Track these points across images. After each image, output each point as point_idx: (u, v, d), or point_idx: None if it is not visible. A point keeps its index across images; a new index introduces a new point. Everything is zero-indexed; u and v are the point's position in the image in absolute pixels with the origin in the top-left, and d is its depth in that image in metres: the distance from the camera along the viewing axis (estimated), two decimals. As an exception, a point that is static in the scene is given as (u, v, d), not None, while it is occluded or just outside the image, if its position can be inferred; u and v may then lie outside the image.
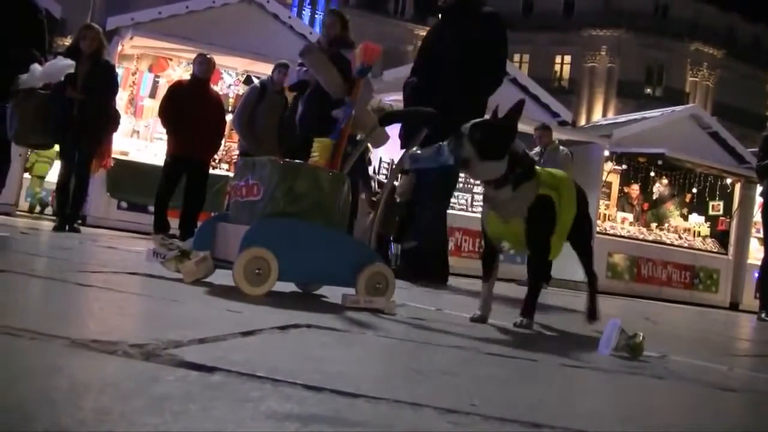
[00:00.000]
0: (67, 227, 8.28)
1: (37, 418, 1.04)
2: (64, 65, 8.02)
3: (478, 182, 3.73)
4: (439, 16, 8.18)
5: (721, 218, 18.22)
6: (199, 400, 1.28)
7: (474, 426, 1.41)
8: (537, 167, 3.70)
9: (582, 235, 3.99)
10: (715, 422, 1.92)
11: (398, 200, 11.67)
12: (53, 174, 9.77)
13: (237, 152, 12.08)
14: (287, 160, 3.90)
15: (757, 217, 14.37)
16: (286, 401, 1.37)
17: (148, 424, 1.09)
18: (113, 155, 11.24)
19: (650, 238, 17.35)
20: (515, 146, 3.58)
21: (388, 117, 4.31)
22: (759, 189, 12.12)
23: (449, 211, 14.11)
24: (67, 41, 9.27)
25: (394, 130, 5.38)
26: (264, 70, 12.21)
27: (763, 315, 9.13)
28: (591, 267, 4.15)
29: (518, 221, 3.55)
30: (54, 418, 1.04)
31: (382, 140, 4.38)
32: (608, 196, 17.63)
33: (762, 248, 10.11)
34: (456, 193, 14.80)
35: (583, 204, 3.93)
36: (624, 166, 17.74)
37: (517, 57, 48.87)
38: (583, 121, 42.90)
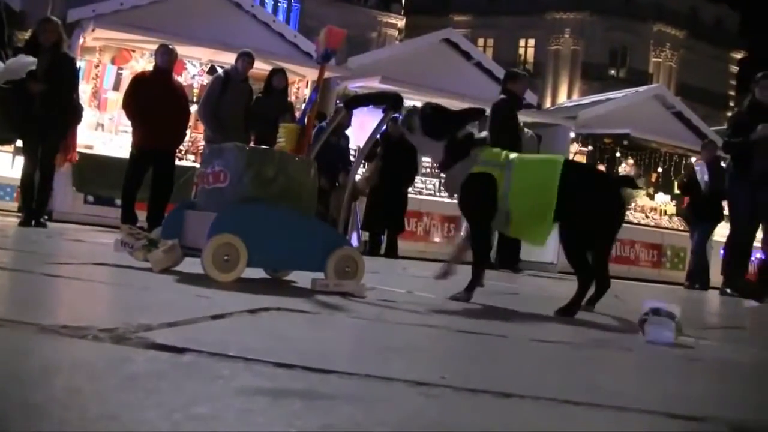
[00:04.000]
0: (33, 222, 8.20)
1: (7, 396, 1.04)
2: (27, 62, 7.93)
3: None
4: None
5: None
6: (170, 378, 1.29)
7: (444, 397, 1.43)
8: (487, 148, 3.87)
9: (567, 224, 3.77)
10: (683, 387, 1.95)
11: (359, 187, 11.67)
12: (17, 170, 9.67)
13: (203, 143, 12.00)
14: (253, 146, 3.90)
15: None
16: (258, 377, 1.38)
17: (120, 400, 1.09)
18: (78, 149, 11.12)
19: (618, 218, 17.47)
20: (460, 134, 3.82)
21: (353, 100, 4.31)
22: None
23: (417, 196, 14.21)
24: (28, 35, 9.14)
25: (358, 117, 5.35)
26: (228, 59, 12.11)
27: (727, 290, 9.24)
28: (577, 262, 3.85)
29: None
30: (25, 396, 1.04)
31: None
32: (575, 178, 17.69)
33: (728, 225, 10.20)
34: (423, 179, 14.84)
35: (581, 190, 3.73)
36: (590, 148, 17.82)
37: (481, 41, 48.87)
38: (548, 104, 43.03)
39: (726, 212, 11.38)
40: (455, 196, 3.98)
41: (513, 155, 3.89)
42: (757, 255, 11.78)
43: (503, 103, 10.31)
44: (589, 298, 3.96)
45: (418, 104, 3.97)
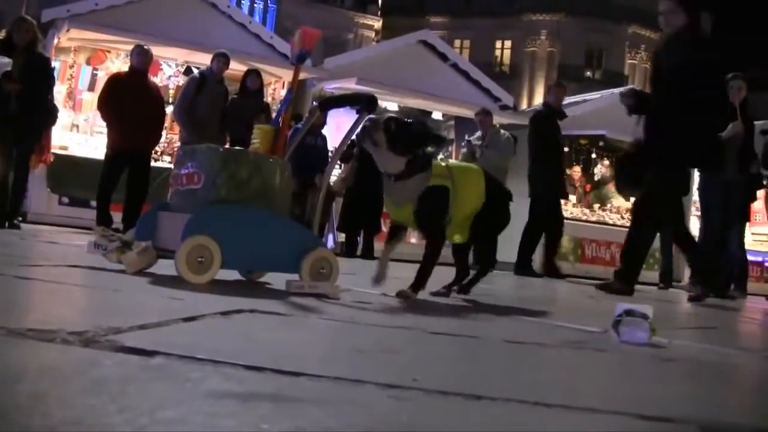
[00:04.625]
0: (7, 224, 8.14)
1: (-30, 402, 1.02)
2: (2, 63, 7.89)
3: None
4: None
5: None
6: (137, 382, 1.27)
7: (415, 399, 1.42)
8: (439, 162, 4.09)
9: (486, 223, 4.20)
10: (656, 388, 1.96)
11: (335, 188, 11.66)
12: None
13: (179, 144, 11.94)
14: (227, 147, 3.89)
15: (696, 196, 14.64)
16: (227, 381, 1.37)
17: (84, 405, 1.08)
18: (53, 150, 11.06)
19: (593, 219, 17.53)
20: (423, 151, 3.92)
21: (327, 102, 4.30)
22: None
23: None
24: (2, 35, 9.08)
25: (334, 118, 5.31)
26: (204, 60, 12.07)
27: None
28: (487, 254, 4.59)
29: (409, 207, 3.91)
30: (-12, 401, 1.03)
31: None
32: (551, 179, 17.75)
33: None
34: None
35: (497, 195, 4.25)
36: (566, 149, 17.89)
37: (457, 43, 48.91)
38: (524, 105, 43.19)
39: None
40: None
41: (449, 164, 4.22)
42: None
43: (538, 114, 10.69)
44: (454, 284, 4.43)
45: (391, 106, 3.99)
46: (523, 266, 10.82)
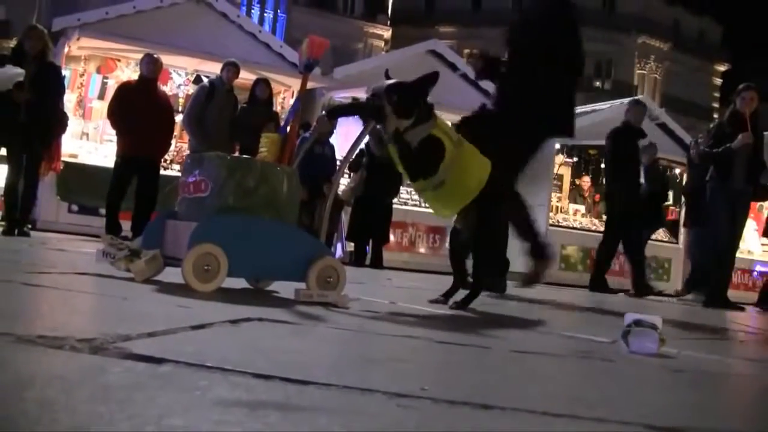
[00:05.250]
0: (16, 231, 8.15)
1: (-22, 409, 1.02)
2: (14, 73, 7.92)
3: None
4: None
5: (671, 207, 18.42)
6: (145, 390, 1.27)
7: (423, 409, 1.42)
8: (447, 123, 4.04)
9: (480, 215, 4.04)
10: (665, 398, 1.95)
11: (344, 198, 11.66)
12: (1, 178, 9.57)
13: (188, 152, 11.96)
14: (235, 155, 3.88)
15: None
16: (235, 389, 1.37)
17: (92, 412, 1.08)
18: (62, 158, 11.09)
19: (602, 229, 17.48)
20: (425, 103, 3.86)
21: (334, 111, 4.30)
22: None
23: (403, 207, 14.21)
24: (13, 43, 9.11)
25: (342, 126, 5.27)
26: (213, 69, 12.11)
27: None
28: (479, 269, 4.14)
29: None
30: (-5, 408, 1.03)
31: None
32: (560, 189, 17.72)
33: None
34: (409, 189, 14.82)
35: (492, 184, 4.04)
36: (575, 159, 17.86)
37: (467, 52, 49.06)
38: (533, 115, 43.14)
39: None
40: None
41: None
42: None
43: (617, 133, 10.54)
44: (451, 292, 4.25)
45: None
46: (598, 283, 10.96)
